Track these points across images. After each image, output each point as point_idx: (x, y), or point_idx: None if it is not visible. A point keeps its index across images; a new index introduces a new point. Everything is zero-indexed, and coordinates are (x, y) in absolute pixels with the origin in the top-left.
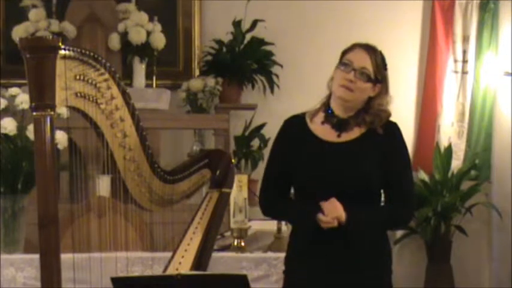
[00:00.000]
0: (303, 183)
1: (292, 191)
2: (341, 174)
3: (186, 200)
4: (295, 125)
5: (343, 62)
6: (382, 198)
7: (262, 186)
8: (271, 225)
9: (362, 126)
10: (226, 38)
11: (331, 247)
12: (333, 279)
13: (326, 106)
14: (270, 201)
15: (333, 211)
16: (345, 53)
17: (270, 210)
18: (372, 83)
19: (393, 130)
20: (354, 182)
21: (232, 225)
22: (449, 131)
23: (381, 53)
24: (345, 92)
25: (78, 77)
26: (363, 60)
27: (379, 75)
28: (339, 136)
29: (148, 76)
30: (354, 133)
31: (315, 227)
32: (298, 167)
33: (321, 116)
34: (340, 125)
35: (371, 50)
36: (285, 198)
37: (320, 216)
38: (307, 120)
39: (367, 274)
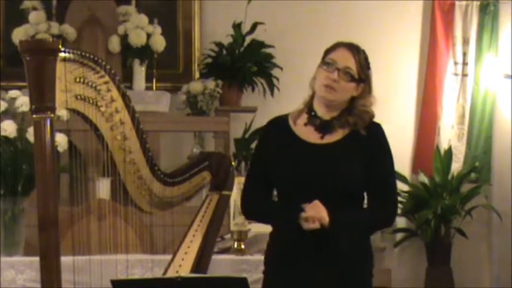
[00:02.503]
0: (286, 185)
1: (275, 193)
2: (324, 176)
3: (186, 203)
4: (278, 126)
5: (326, 62)
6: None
7: (245, 188)
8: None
9: (345, 127)
10: (226, 40)
11: (312, 249)
12: (313, 280)
13: (309, 107)
14: (253, 204)
15: (315, 213)
16: (328, 52)
17: (252, 213)
18: (355, 82)
19: (377, 131)
20: (337, 184)
21: (232, 228)
22: (450, 133)
23: (364, 52)
24: (327, 92)
25: (78, 80)
26: (347, 60)
27: (362, 75)
28: (322, 138)
29: (148, 78)
30: (337, 135)
31: (297, 229)
32: (281, 169)
33: (304, 117)
34: (323, 127)
35: (354, 49)
36: (268, 201)
37: (302, 215)
38: (290, 121)
39: (348, 276)
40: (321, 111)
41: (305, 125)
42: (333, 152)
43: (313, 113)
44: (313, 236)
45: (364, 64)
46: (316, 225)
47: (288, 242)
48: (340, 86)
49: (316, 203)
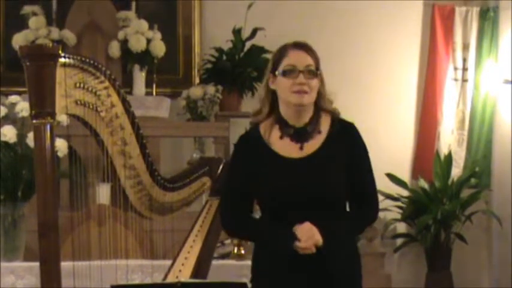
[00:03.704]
0: (273, 204)
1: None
2: (311, 190)
3: (186, 208)
4: (253, 144)
5: (285, 70)
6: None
7: (226, 208)
8: None
9: (321, 133)
10: (226, 45)
11: (305, 263)
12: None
13: (278, 118)
14: (238, 224)
15: (309, 237)
16: (277, 60)
17: (238, 233)
18: (317, 77)
19: (352, 131)
20: (325, 194)
21: None
22: (449, 138)
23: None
24: (301, 97)
25: (78, 85)
26: (304, 59)
27: (318, 67)
28: (301, 149)
29: (148, 84)
30: (315, 142)
31: (291, 253)
32: (266, 189)
33: (276, 129)
34: (299, 135)
35: (305, 46)
36: (252, 219)
37: (297, 244)
38: (264, 137)
39: (340, 280)
40: (292, 119)
41: (280, 138)
42: (316, 164)
43: (284, 123)
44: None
45: (317, 57)
46: (312, 250)
47: (279, 257)
48: (310, 86)
49: (308, 226)
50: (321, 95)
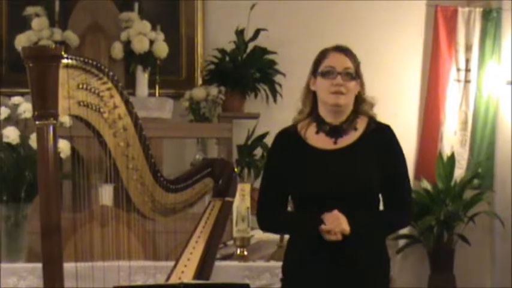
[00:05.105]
0: (306, 194)
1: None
2: (342, 181)
3: (189, 209)
4: (289, 139)
5: (325, 71)
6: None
7: (261, 202)
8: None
9: (357, 130)
10: (229, 47)
11: (331, 257)
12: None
13: (316, 116)
14: (271, 218)
15: (336, 224)
16: (318, 62)
17: (271, 227)
18: (355, 80)
19: (387, 132)
20: (356, 188)
21: (235, 234)
22: (452, 139)
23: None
24: (338, 98)
25: (81, 86)
26: (343, 61)
27: (358, 71)
28: (335, 143)
29: (151, 85)
30: (349, 138)
31: (317, 239)
32: (298, 180)
33: (313, 126)
34: (334, 131)
35: (346, 50)
36: (285, 212)
37: (323, 227)
38: (301, 132)
39: (367, 283)
40: (329, 118)
41: (316, 133)
42: (348, 156)
43: (321, 120)
44: (333, 244)
45: (357, 61)
46: (338, 237)
47: (306, 251)
48: (347, 88)
49: (336, 214)
50: (361, 99)
